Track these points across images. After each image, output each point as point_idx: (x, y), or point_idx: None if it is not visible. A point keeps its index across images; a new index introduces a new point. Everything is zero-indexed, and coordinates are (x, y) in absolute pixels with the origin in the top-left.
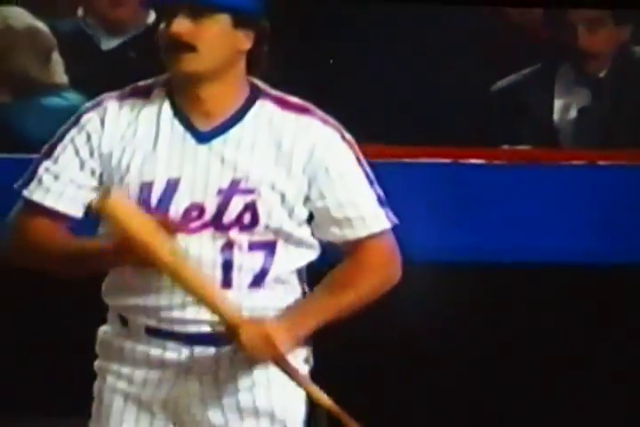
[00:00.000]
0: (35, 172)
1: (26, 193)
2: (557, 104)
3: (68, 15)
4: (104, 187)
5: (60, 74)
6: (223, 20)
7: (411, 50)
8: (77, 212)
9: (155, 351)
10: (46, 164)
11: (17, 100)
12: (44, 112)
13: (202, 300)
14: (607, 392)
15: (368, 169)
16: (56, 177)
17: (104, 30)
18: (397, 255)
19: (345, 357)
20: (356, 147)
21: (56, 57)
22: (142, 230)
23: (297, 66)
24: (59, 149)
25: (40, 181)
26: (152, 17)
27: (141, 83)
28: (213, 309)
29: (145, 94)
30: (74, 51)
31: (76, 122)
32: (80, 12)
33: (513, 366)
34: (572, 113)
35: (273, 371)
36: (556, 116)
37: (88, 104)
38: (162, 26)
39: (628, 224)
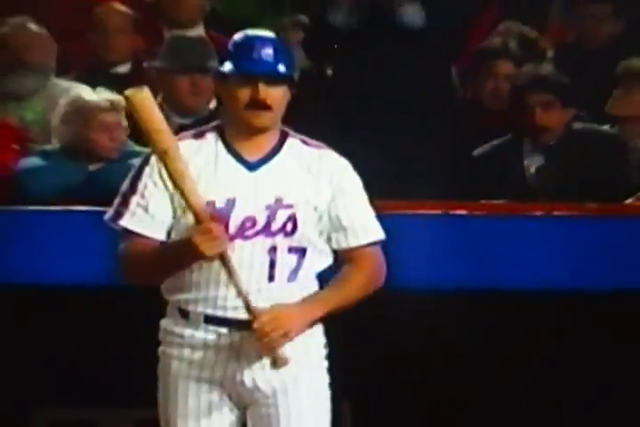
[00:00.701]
0: (122, 204)
1: (122, 223)
2: (522, 166)
3: None
4: (139, 87)
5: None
6: (284, 84)
7: (418, 132)
8: (161, 235)
9: (210, 336)
10: (135, 199)
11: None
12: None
13: (182, 192)
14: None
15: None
16: (145, 209)
17: (178, 115)
18: (384, 264)
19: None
20: None
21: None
22: (155, 120)
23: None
24: (140, 186)
25: (133, 214)
26: (214, 103)
27: (191, 130)
28: (190, 202)
29: (199, 137)
30: None
31: (147, 161)
32: (159, 98)
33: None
34: (532, 172)
35: (305, 359)
36: (521, 176)
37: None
38: (240, 89)
39: (577, 260)
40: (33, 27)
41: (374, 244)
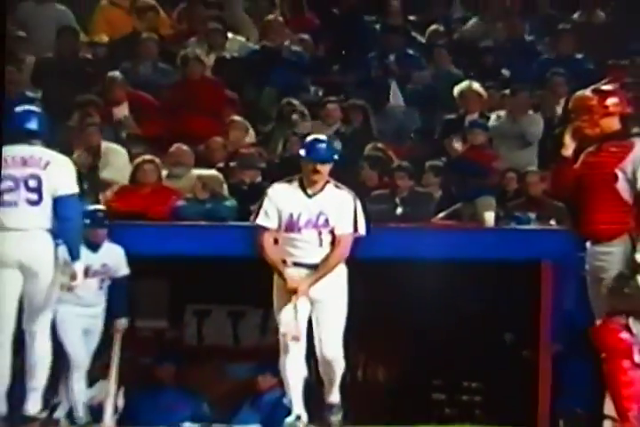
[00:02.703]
0: (256, 215)
1: (259, 223)
2: (394, 204)
3: None
4: None
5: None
6: (331, 161)
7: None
8: (276, 226)
9: (292, 271)
10: (262, 211)
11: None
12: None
13: None
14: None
15: None
16: (268, 215)
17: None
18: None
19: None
20: None
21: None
22: None
23: None
24: (264, 206)
25: (262, 219)
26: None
27: (287, 178)
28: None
29: (289, 182)
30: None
31: (267, 194)
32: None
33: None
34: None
35: (334, 279)
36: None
37: (270, 187)
38: (308, 165)
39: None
40: (184, 147)
41: (349, 235)
